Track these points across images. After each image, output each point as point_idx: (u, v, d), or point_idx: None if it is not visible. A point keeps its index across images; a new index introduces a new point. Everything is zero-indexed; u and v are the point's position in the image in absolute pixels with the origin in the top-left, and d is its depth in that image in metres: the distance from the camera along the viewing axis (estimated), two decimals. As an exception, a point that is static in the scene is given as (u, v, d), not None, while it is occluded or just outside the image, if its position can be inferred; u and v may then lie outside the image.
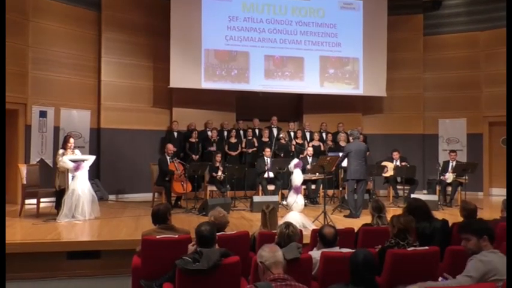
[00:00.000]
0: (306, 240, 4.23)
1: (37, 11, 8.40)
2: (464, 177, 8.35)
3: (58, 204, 6.47)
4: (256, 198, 7.63)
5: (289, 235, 3.30)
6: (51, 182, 6.95)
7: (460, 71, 10.69)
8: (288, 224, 3.42)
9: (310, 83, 10.33)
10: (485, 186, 10.41)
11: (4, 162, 7.28)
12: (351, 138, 7.30)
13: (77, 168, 6.34)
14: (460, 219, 4.25)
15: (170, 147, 8.08)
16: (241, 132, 10.01)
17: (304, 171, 7.42)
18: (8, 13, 7.46)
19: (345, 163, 7.71)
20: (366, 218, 6.05)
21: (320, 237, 3.40)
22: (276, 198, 7.75)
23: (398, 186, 8.83)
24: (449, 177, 8.44)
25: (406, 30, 10.95)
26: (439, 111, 10.86)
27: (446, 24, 11.00)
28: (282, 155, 9.26)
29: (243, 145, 9.76)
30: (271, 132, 9.90)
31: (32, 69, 8.30)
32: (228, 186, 8.18)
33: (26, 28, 8.23)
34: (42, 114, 8.36)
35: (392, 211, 6.95)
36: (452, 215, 6.18)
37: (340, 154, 7.80)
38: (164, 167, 7.86)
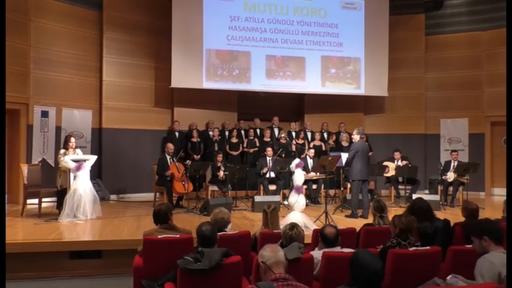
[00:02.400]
0: (308, 240, 4.21)
1: (39, 10, 8.42)
2: (466, 177, 8.33)
3: (60, 204, 6.48)
4: (257, 198, 7.63)
5: (292, 236, 3.29)
6: (53, 182, 6.97)
7: (462, 70, 10.69)
8: (293, 226, 3.39)
9: (311, 82, 10.32)
10: (487, 186, 10.41)
11: (4, 162, 7.29)
12: (358, 136, 7.08)
13: (78, 168, 6.35)
14: (462, 219, 4.25)
15: (170, 146, 8.08)
16: (243, 132, 10.02)
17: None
18: (10, 13, 7.50)
19: (344, 163, 7.69)
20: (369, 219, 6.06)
21: (321, 237, 3.40)
22: (277, 198, 7.75)
23: (400, 186, 8.82)
24: (450, 176, 8.43)
25: (407, 30, 10.94)
26: (441, 111, 10.85)
27: (448, 24, 10.99)
28: (283, 155, 9.26)
29: (245, 145, 9.76)
30: (272, 132, 9.90)
31: (33, 69, 8.31)
32: (229, 186, 8.19)
33: (28, 28, 8.24)
34: (44, 114, 8.38)
35: (394, 211, 6.93)
36: (454, 215, 6.16)
37: (341, 154, 7.80)
38: (162, 166, 7.83)
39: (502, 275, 2.57)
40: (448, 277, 2.79)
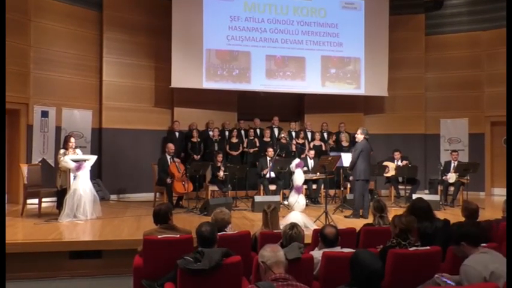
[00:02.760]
0: (308, 240, 4.21)
1: (39, 10, 8.42)
2: (466, 177, 8.33)
3: (59, 204, 6.48)
4: (257, 198, 7.63)
5: (292, 236, 3.28)
6: (53, 182, 6.96)
7: (462, 70, 10.68)
8: (293, 225, 3.39)
9: (311, 82, 10.32)
10: (487, 186, 10.40)
11: (4, 162, 7.29)
12: (362, 136, 7.04)
13: (78, 168, 6.35)
14: (462, 219, 4.25)
15: (171, 146, 8.08)
16: (243, 132, 10.01)
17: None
18: (10, 13, 7.50)
19: (344, 163, 7.68)
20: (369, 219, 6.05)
21: (321, 237, 3.39)
22: (277, 198, 7.75)
23: (400, 186, 8.81)
24: (451, 177, 8.43)
25: (407, 29, 10.94)
26: (441, 111, 10.85)
27: (448, 23, 10.99)
28: (283, 155, 9.26)
29: (245, 145, 9.76)
30: (272, 132, 9.90)
31: (33, 69, 8.31)
32: (229, 186, 8.19)
33: (28, 28, 8.24)
34: (44, 114, 8.38)
35: (394, 211, 6.94)
36: (454, 215, 6.16)
37: (342, 154, 7.79)
38: (162, 166, 7.83)
39: (487, 277, 2.57)
40: (436, 275, 2.79)
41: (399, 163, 8.91)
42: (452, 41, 10.88)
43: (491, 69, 10.39)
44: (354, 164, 6.97)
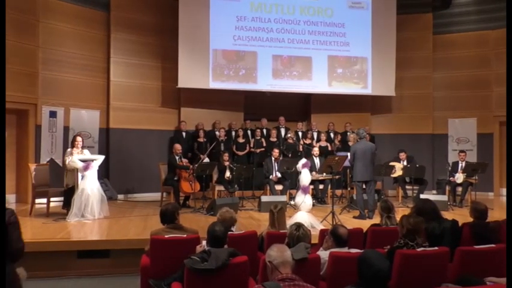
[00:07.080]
0: (314, 240, 4.20)
1: (47, 11, 8.48)
2: (474, 178, 8.26)
3: (66, 203, 6.52)
4: (264, 198, 7.63)
5: (299, 237, 3.27)
6: (61, 182, 7.01)
7: (470, 70, 10.60)
8: (299, 226, 3.37)
9: (318, 82, 10.29)
10: (495, 186, 10.30)
11: (4, 162, 7.31)
12: (357, 137, 7.19)
13: (86, 168, 6.38)
14: (470, 219, 4.21)
15: (178, 147, 8.10)
16: (249, 132, 10.01)
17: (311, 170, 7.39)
18: (18, 14, 7.60)
19: (347, 163, 7.67)
20: (375, 219, 6.02)
21: (334, 238, 3.36)
22: (283, 198, 7.74)
23: (407, 186, 8.76)
24: (459, 177, 8.36)
25: (415, 29, 10.87)
26: (449, 110, 10.76)
27: (456, 23, 10.90)
28: (290, 155, 9.24)
29: (251, 145, 9.75)
30: (279, 132, 9.89)
31: (42, 70, 8.38)
32: (236, 186, 8.19)
33: (36, 29, 8.30)
34: (52, 114, 8.44)
35: (401, 211, 6.90)
36: (462, 216, 6.10)
37: (348, 154, 7.77)
38: (175, 163, 7.87)
39: None
40: None
41: (405, 163, 8.86)
42: (460, 40, 10.79)
43: (499, 68, 10.27)
44: (351, 165, 7.00)
